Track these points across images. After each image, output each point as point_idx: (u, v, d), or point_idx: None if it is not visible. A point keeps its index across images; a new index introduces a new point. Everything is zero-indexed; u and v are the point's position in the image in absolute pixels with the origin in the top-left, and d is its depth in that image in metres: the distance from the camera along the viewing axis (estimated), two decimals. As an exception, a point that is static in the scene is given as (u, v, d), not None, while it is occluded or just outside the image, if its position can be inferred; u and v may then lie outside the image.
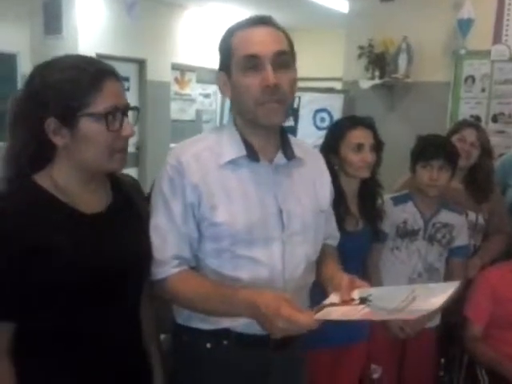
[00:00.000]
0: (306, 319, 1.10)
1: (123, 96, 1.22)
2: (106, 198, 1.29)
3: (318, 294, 1.38)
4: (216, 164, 1.32)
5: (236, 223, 1.29)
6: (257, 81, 1.26)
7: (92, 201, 1.25)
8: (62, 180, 1.21)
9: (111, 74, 1.19)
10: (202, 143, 1.37)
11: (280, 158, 1.37)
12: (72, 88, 1.14)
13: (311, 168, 1.46)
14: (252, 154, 1.33)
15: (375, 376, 2.23)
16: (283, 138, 1.40)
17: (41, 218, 1.15)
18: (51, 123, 1.15)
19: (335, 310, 1.16)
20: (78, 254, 1.16)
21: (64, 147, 1.18)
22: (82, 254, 1.16)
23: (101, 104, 1.15)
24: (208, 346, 1.38)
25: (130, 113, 1.26)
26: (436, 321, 2.27)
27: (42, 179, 1.20)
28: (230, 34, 1.31)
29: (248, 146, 1.34)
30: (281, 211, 1.34)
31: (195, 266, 1.37)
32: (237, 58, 1.28)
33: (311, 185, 1.44)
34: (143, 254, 1.31)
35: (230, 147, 1.34)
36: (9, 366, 1.16)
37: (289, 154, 1.38)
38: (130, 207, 1.33)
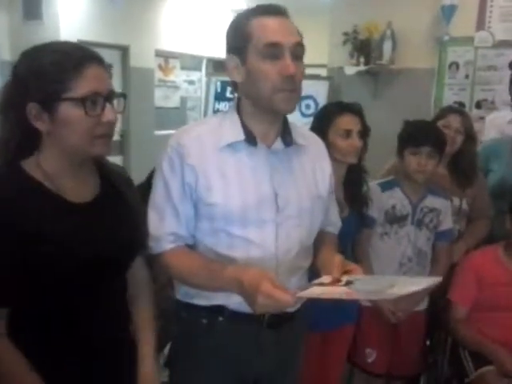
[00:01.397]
0: (285, 296, 1.14)
1: (106, 82, 1.21)
2: (94, 187, 1.29)
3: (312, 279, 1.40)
4: (215, 147, 1.36)
5: (230, 204, 1.34)
6: (275, 68, 1.29)
7: (80, 189, 1.25)
8: (50, 168, 1.20)
9: (95, 59, 1.18)
10: (204, 126, 1.42)
11: (278, 143, 1.40)
12: (53, 72, 1.14)
13: (312, 154, 1.49)
14: (250, 139, 1.37)
15: (370, 360, 2.27)
16: (284, 125, 1.43)
17: (30, 205, 1.15)
18: (32, 108, 1.15)
19: (319, 289, 1.20)
20: (67, 243, 1.16)
21: (47, 133, 1.18)
22: (71, 243, 1.17)
23: (81, 89, 1.14)
24: (204, 321, 1.43)
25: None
26: (424, 304, 2.31)
27: (30, 166, 1.20)
28: (245, 19, 1.32)
29: (247, 130, 1.37)
30: (276, 195, 1.38)
31: (193, 245, 1.42)
32: (256, 44, 1.29)
33: (310, 171, 1.47)
34: (131, 242, 1.33)
35: (230, 131, 1.37)
36: (8, 344, 1.16)
37: (288, 140, 1.41)
38: (118, 195, 1.33)
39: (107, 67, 1.22)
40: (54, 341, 1.21)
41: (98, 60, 1.19)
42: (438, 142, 2.15)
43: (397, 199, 2.23)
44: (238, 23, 1.34)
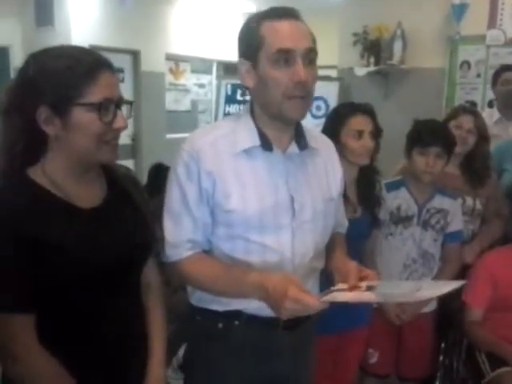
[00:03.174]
0: (313, 300, 1.14)
1: (117, 89, 1.21)
2: (101, 191, 1.29)
3: (323, 282, 1.41)
4: (231, 152, 1.34)
5: (248, 210, 1.33)
6: (287, 75, 1.27)
7: (87, 195, 1.25)
8: (56, 174, 1.20)
9: (107, 65, 1.18)
10: (218, 131, 1.39)
11: (293, 147, 1.39)
12: (67, 77, 1.13)
13: (324, 157, 1.49)
14: (266, 144, 1.36)
15: (372, 361, 2.26)
16: (297, 129, 1.42)
17: (40, 214, 1.15)
18: (43, 112, 1.14)
19: (342, 294, 1.21)
20: (77, 250, 1.16)
21: (55, 138, 1.17)
22: (81, 249, 1.17)
23: (95, 95, 1.14)
24: (220, 325, 1.42)
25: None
26: (432, 305, 2.30)
27: (36, 174, 1.19)
28: (257, 23, 1.30)
29: (262, 135, 1.36)
30: (292, 199, 1.37)
31: (208, 250, 1.41)
32: (268, 49, 1.27)
33: (323, 174, 1.47)
34: (141, 245, 1.32)
35: (245, 136, 1.36)
36: (48, 356, 1.17)
37: (302, 144, 1.41)
38: (125, 199, 1.33)
39: (116, 73, 1.23)
40: (66, 346, 1.21)
41: (110, 66, 1.19)
42: (447, 143, 2.13)
43: (402, 199, 2.21)
44: (249, 27, 1.32)
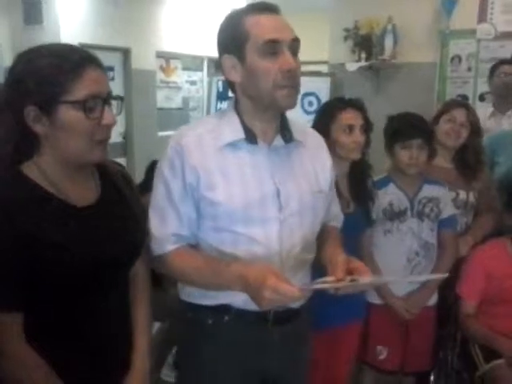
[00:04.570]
0: (291, 289, 1.14)
1: (105, 84, 1.20)
2: (95, 189, 1.29)
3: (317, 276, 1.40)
4: (215, 146, 1.36)
5: (233, 203, 1.34)
6: (275, 65, 1.29)
7: (82, 192, 1.24)
8: (50, 171, 1.19)
9: (93, 61, 1.17)
10: (203, 126, 1.41)
11: (278, 140, 1.40)
12: (52, 75, 1.12)
13: (312, 150, 1.49)
14: (250, 137, 1.37)
15: (381, 357, 2.26)
16: (283, 122, 1.43)
17: (32, 209, 1.14)
18: (31, 110, 1.13)
19: (323, 285, 1.23)
20: (70, 247, 1.16)
21: (46, 136, 1.16)
22: (75, 246, 1.16)
23: (80, 92, 1.13)
24: (210, 321, 1.43)
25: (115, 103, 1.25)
26: (434, 299, 2.30)
27: (31, 171, 1.18)
28: (239, 18, 1.32)
29: (247, 129, 1.37)
30: (278, 192, 1.37)
31: (195, 245, 1.42)
32: (255, 42, 1.29)
33: (310, 166, 1.47)
34: (134, 242, 1.33)
35: (229, 130, 1.37)
36: (29, 349, 1.17)
37: (287, 137, 1.41)
38: (119, 196, 1.33)
39: (105, 69, 1.21)
40: (58, 342, 1.21)
41: (96, 62, 1.18)
42: (426, 134, 2.15)
43: (392, 195, 2.21)
44: (231, 23, 1.34)
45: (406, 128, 2.15)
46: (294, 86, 1.32)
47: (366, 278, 1.26)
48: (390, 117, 2.25)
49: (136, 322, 1.38)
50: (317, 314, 1.56)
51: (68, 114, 1.14)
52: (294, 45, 1.32)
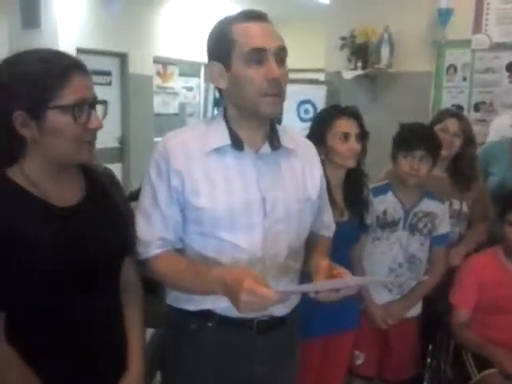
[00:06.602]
0: (268, 292, 1.14)
1: (91, 89, 1.23)
2: (79, 190, 1.31)
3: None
4: (201, 152, 1.37)
5: (217, 208, 1.34)
6: (260, 73, 1.29)
7: (65, 193, 1.27)
8: (34, 173, 1.22)
9: (80, 67, 1.20)
10: (191, 132, 1.42)
11: (266, 148, 1.40)
12: (41, 81, 1.15)
13: (301, 157, 1.49)
14: (236, 144, 1.37)
15: (358, 362, 2.27)
16: (271, 129, 1.43)
17: (15, 210, 1.17)
18: (19, 116, 1.15)
19: (300, 286, 1.26)
20: (51, 246, 1.17)
21: (33, 140, 1.19)
22: (57, 247, 1.18)
23: (68, 97, 1.16)
24: (193, 326, 1.44)
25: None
26: (417, 310, 2.32)
27: (14, 173, 1.21)
28: (227, 25, 1.32)
29: (233, 135, 1.38)
30: (263, 199, 1.38)
31: (181, 249, 1.43)
32: (240, 49, 1.30)
33: (299, 174, 1.47)
34: (118, 244, 1.33)
35: (216, 136, 1.38)
36: (8, 348, 1.18)
37: (275, 145, 1.41)
38: (104, 198, 1.35)
39: (90, 74, 1.24)
40: (44, 344, 1.22)
41: (83, 68, 1.21)
42: (432, 146, 2.13)
43: (388, 204, 2.21)
44: (219, 30, 1.35)
45: (410, 137, 2.14)
46: (279, 94, 1.32)
47: (345, 279, 1.28)
48: (401, 124, 2.25)
49: (128, 325, 1.39)
50: (309, 321, 1.57)
51: (56, 119, 1.16)
52: (281, 53, 1.32)
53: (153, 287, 1.52)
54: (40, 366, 1.21)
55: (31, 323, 1.22)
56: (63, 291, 1.22)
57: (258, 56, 1.29)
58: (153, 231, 1.38)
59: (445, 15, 3.83)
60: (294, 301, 1.48)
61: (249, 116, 1.37)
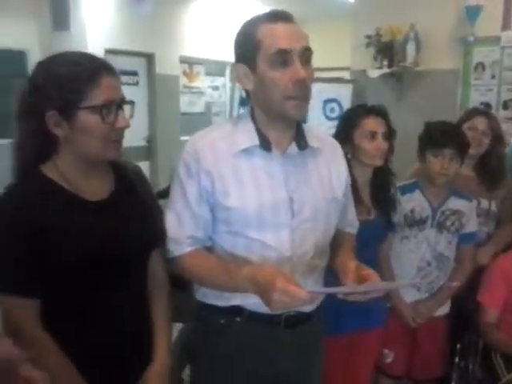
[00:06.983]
0: (300, 292, 1.15)
1: (119, 90, 1.30)
2: (109, 185, 1.37)
3: (332, 282, 1.42)
4: (230, 152, 1.38)
5: (247, 208, 1.37)
6: (286, 75, 1.30)
7: (96, 188, 1.33)
8: (66, 169, 1.29)
9: (108, 69, 1.27)
10: (218, 132, 1.44)
11: (293, 148, 1.42)
12: (72, 82, 1.22)
13: (327, 157, 1.50)
14: (264, 144, 1.39)
15: (387, 361, 2.27)
16: (298, 129, 1.44)
17: (48, 204, 1.24)
18: (52, 116, 1.23)
19: (331, 288, 1.27)
20: (80, 238, 1.24)
21: (65, 139, 1.26)
22: (85, 238, 1.24)
23: (97, 98, 1.23)
24: (222, 321, 1.46)
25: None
26: (445, 309, 2.31)
27: (48, 169, 1.29)
28: (253, 27, 1.33)
29: (261, 136, 1.39)
30: (291, 200, 1.39)
31: (210, 247, 1.46)
32: (266, 51, 1.30)
33: (326, 173, 1.48)
34: (144, 237, 1.38)
35: (244, 137, 1.39)
36: (46, 335, 1.24)
37: (302, 144, 1.42)
38: (132, 193, 1.40)
39: (118, 75, 1.31)
40: (72, 335, 1.28)
41: (111, 69, 1.28)
42: (460, 144, 2.13)
43: (416, 202, 2.21)
44: (245, 31, 1.35)
45: (439, 136, 2.13)
46: (304, 97, 1.33)
47: (374, 284, 1.29)
48: (427, 123, 2.24)
49: (155, 319, 1.44)
50: (338, 318, 1.58)
51: (86, 119, 1.23)
52: (306, 53, 1.32)
53: (182, 283, 1.55)
54: (68, 355, 1.26)
55: (61, 313, 1.28)
56: (93, 284, 1.28)
57: (283, 58, 1.29)
58: (183, 229, 1.41)
59: (474, 12, 3.78)
60: (320, 297, 1.50)
61: (275, 118, 1.38)
